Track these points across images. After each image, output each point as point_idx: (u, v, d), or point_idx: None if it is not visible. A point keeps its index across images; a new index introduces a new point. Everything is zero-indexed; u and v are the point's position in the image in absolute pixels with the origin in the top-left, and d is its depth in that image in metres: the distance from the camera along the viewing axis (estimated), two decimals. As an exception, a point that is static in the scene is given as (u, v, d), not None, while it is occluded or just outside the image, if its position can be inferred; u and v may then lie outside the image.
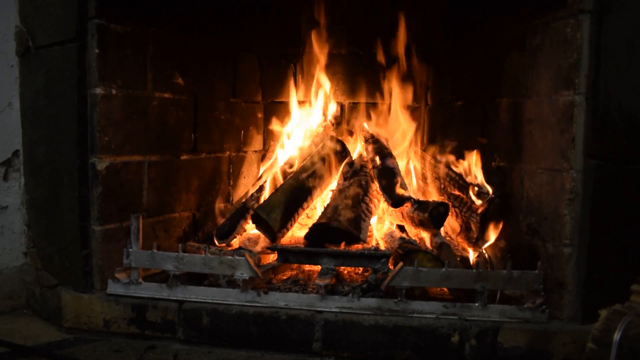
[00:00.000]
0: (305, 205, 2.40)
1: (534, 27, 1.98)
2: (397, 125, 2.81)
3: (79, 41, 1.96)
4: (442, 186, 2.50)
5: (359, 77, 2.90)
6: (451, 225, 2.38)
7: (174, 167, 2.32)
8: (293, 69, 2.88)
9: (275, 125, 2.87)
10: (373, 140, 2.67)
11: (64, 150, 2.04)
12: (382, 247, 2.28)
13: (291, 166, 2.60)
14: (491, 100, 2.31)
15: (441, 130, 2.75)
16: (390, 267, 2.02)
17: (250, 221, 2.37)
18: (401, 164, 2.61)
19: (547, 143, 1.91)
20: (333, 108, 2.87)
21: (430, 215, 2.19)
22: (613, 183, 1.76)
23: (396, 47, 2.76)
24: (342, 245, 2.16)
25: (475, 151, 2.38)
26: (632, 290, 1.59)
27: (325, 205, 2.40)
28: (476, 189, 2.27)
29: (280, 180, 2.49)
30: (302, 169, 2.46)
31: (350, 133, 2.85)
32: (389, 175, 2.39)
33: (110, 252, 2.04)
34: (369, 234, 2.30)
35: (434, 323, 1.82)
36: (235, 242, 2.38)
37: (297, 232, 2.51)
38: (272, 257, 2.27)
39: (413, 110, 2.86)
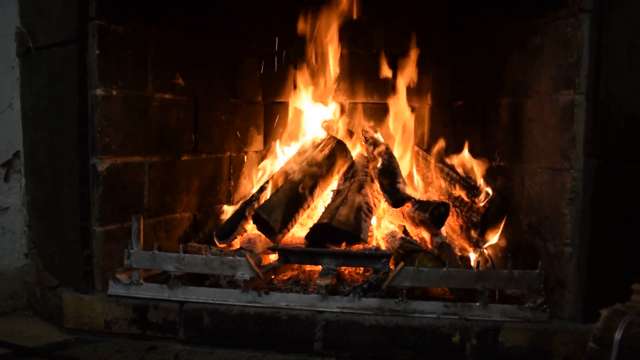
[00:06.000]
0: (306, 205, 2.41)
1: (534, 27, 1.98)
2: (398, 125, 2.81)
3: (80, 42, 1.96)
4: (443, 186, 2.50)
5: (359, 77, 2.91)
6: (452, 225, 2.38)
7: (174, 168, 2.32)
8: (293, 70, 2.88)
9: (275, 126, 2.87)
10: (373, 141, 2.68)
11: (65, 151, 2.04)
12: (383, 247, 2.28)
13: (292, 166, 2.60)
14: (492, 100, 2.31)
15: (442, 130, 2.75)
16: (391, 267, 2.02)
17: (251, 221, 2.38)
18: (402, 164, 2.61)
19: (547, 142, 1.91)
20: (333, 108, 2.88)
21: (430, 215, 2.19)
22: (614, 183, 1.76)
23: (396, 47, 2.76)
24: (343, 246, 2.17)
25: (476, 150, 2.39)
26: (632, 290, 1.59)
27: (326, 205, 2.40)
28: (480, 189, 2.27)
29: (281, 181, 2.49)
30: (303, 169, 2.46)
31: (350, 133, 2.85)
32: (389, 176, 2.39)
33: (111, 252, 2.04)
34: (369, 234, 2.30)
35: (435, 323, 1.82)
36: (236, 243, 2.38)
37: (297, 232, 2.51)
38: (273, 258, 2.27)
39: (413, 110, 2.86)
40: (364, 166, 2.55)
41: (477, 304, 1.84)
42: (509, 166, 2.18)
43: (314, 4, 2.76)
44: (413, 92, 2.87)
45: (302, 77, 2.87)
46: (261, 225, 2.28)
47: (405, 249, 2.11)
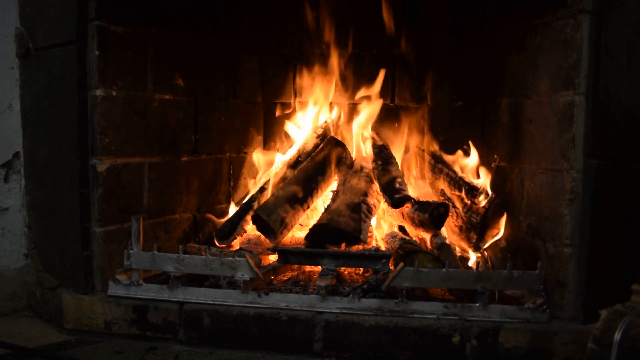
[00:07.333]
0: (305, 206, 2.40)
1: (534, 27, 1.98)
2: (398, 126, 2.81)
3: (80, 43, 1.96)
4: (442, 187, 2.50)
5: (359, 77, 2.91)
6: (451, 225, 2.38)
7: (174, 169, 2.32)
8: (293, 70, 2.88)
9: (275, 126, 2.87)
10: (373, 141, 2.68)
11: (65, 151, 2.04)
12: (383, 247, 2.28)
13: (292, 167, 2.60)
14: (491, 100, 2.31)
15: (441, 131, 2.75)
16: (390, 267, 2.02)
17: (250, 222, 2.37)
18: (401, 165, 2.61)
19: (547, 143, 1.91)
20: (333, 109, 2.87)
21: (430, 215, 2.19)
22: (613, 183, 1.76)
23: (396, 48, 2.76)
24: (343, 246, 2.17)
25: (475, 151, 2.39)
26: (632, 290, 1.59)
27: (326, 206, 2.40)
28: (479, 189, 2.27)
29: (281, 182, 2.49)
30: (303, 170, 2.46)
31: (350, 134, 2.85)
32: (389, 176, 2.39)
33: (111, 253, 2.04)
34: (369, 234, 2.30)
35: (435, 323, 1.82)
36: (236, 243, 2.38)
37: (297, 233, 2.51)
38: (272, 258, 2.27)
39: (413, 111, 2.86)
40: (363, 167, 2.55)
41: (477, 304, 1.84)
42: (508, 167, 2.18)
43: (315, 4, 2.76)
44: (413, 93, 2.87)
45: (302, 77, 2.87)
46: (261, 225, 2.27)
47: (405, 249, 2.11)
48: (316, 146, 2.67)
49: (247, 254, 1.98)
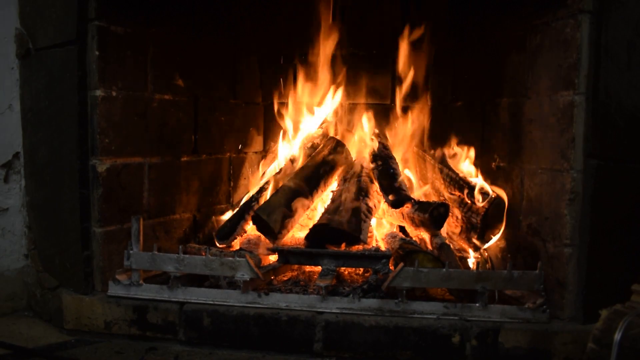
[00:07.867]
0: (305, 205, 2.40)
1: (534, 27, 1.98)
2: (397, 126, 2.81)
3: (79, 43, 1.96)
4: (442, 187, 2.50)
5: (359, 77, 2.91)
6: (451, 225, 2.38)
7: (174, 169, 2.32)
8: (293, 70, 2.88)
9: (275, 126, 2.87)
10: (373, 141, 2.68)
11: (65, 152, 2.04)
12: (383, 247, 2.28)
13: (291, 167, 2.59)
14: (491, 100, 2.31)
15: (441, 131, 2.75)
16: (390, 267, 2.02)
17: (250, 222, 2.37)
18: (401, 165, 2.61)
19: (547, 143, 1.91)
20: (333, 109, 2.87)
21: (430, 215, 2.19)
22: (613, 183, 1.76)
23: (396, 48, 2.76)
24: (343, 246, 2.16)
25: (475, 151, 2.39)
26: (632, 290, 1.59)
27: (326, 206, 2.40)
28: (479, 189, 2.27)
29: (281, 182, 2.49)
30: (303, 170, 2.46)
31: (350, 134, 2.85)
32: (389, 176, 2.39)
33: (111, 253, 2.04)
34: (369, 234, 2.30)
35: (435, 323, 1.82)
36: (236, 243, 2.38)
37: (297, 233, 2.51)
38: (272, 258, 2.27)
39: (413, 111, 2.86)
40: (363, 167, 2.55)
41: (477, 304, 1.84)
42: (508, 167, 2.18)
43: (314, 4, 2.75)
44: (413, 93, 2.86)
45: (302, 77, 2.87)
46: (261, 226, 2.27)
47: (405, 249, 2.11)
48: (316, 146, 2.67)
49: (247, 254, 1.98)
